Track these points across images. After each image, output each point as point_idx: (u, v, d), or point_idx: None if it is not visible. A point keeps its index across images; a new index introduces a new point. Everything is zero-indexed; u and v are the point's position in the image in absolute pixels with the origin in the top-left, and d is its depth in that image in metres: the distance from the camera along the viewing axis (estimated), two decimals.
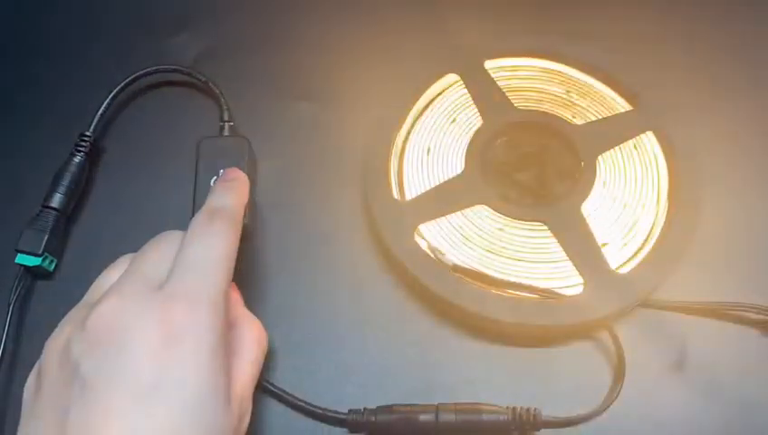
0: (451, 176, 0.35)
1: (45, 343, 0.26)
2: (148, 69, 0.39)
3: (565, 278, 0.33)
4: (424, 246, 0.33)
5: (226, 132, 0.37)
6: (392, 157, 0.36)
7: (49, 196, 0.35)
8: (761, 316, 0.33)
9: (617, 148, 0.36)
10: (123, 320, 0.23)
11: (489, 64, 0.39)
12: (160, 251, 0.26)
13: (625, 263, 0.33)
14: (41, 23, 0.44)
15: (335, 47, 0.42)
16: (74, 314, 0.26)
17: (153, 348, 0.23)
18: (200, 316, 0.24)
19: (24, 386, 0.25)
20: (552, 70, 0.39)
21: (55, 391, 0.23)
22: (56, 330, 0.26)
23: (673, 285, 0.33)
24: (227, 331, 0.26)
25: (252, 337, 0.29)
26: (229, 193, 0.30)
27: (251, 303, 0.32)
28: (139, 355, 0.23)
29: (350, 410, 0.31)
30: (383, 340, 0.33)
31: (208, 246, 0.26)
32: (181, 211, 0.35)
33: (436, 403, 0.31)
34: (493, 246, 0.33)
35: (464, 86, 0.38)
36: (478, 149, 0.36)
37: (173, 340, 0.23)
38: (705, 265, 0.34)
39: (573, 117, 0.37)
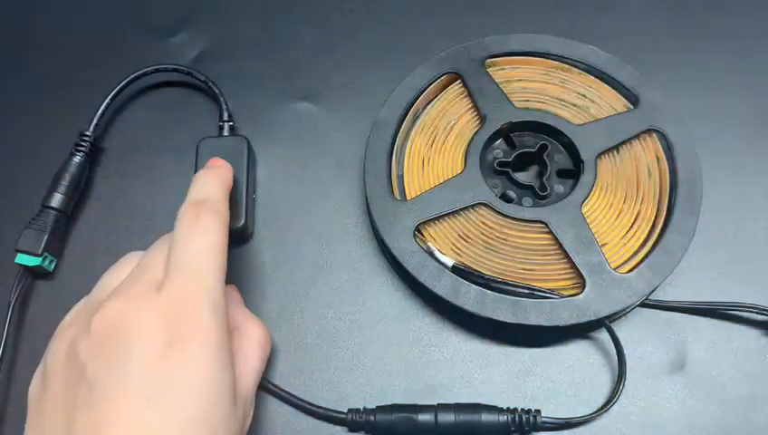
0: (451, 176, 0.35)
1: (50, 342, 0.26)
2: (148, 69, 0.39)
3: (565, 278, 0.33)
4: (424, 246, 0.33)
5: (226, 132, 0.37)
6: (392, 157, 0.36)
7: (49, 196, 0.35)
8: (761, 316, 0.33)
9: (617, 148, 0.36)
10: (128, 321, 0.24)
11: (489, 64, 0.39)
12: (163, 252, 0.27)
13: (625, 263, 0.33)
14: (41, 22, 0.44)
15: (335, 47, 0.42)
16: (79, 312, 0.26)
17: (159, 349, 0.23)
18: (203, 317, 0.24)
19: (24, 385, 0.25)
20: (553, 70, 0.39)
21: (62, 393, 0.23)
22: (60, 328, 0.26)
23: (673, 285, 0.33)
24: (230, 331, 0.26)
25: (256, 339, 0.29)
26: (211, 181, 0.29)
27: (251, 303, 0.32)
28: (145, 356, 0.23)
29: (349, 410, 0.31)
30: (383, 340, 0.33)
31: (199, 243, 0.26)
32: None
33: (435, 403, 0.31)
34: (492, 245, 0.33)
35: (464, 86, 0.38)
36: (478, 150, 0.36)
37: (178, 340, 0.23)
38: (705, 265, 0.34)
39: (573, 117, 0.37)
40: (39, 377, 0.25)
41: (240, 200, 0.34)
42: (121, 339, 0.23)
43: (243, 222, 0.34)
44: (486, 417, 0.30)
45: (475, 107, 0.38)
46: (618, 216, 0.34)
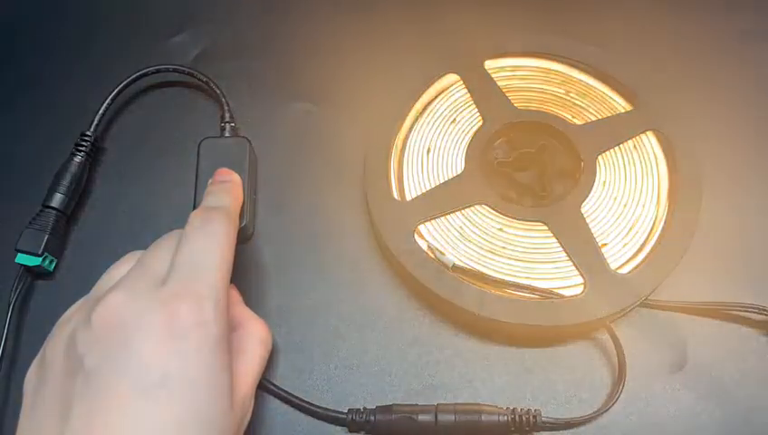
0: (451, 176, 0.35)
1: (49, 334, 0.26)
2: (149, 69, 0.39)
3: (565, 278, 0.33)
4: (424, 246, 0.33)
5: (227, 133, 0.37)
6: (392, 157, 0.36)
7: (49, 195, 0.35)
8: (761, 316, 0.33)
9: (617, 148, 0.36)
10: (128, 315, 0.24)
11: (489, 64, 0.39)
12: (167, 249, 0.27)
13: (625, 263, 0.33)
14: (41, 22, 0.44)
15: (335, 47, 0.42)
16: (79, 307, 0.26)
17: (158, 343, 0.23)
18: (204, 313, 0.24)
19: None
20: (552, 70, 0.39)
21: (59, 383, 0.23)
22: (60, 322, 0.26)
23: (673, 285, 0.33)
24: (230, 329, 0.26)
25: (257, 337, 0.29)
26: (224, 194, 0.31)
27: (251, 303, 0.32)
28: (143, 350, 0.23)
29: (349, 410, 0.31)
30: (383, 340, 0.33)
31: (207, 243, 0.26)
32: (182, 211, 0.35)
33: (435, 403, 0.31)
34: (492, 245, 0.33)
35: (464, 86, 0.38)
36: (478, 149, 0.36)
37: (178, 336, 0.23)
38: (705, 265, 0.34)
39: (573, 117, 0.37)
40: (36, 367, 0.25)
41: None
42: (121, 332, 0.23)
43: (244, 222, 0.34)
44: (486, 417, 0.30)
45: (475, 107, 0.38)
46: (618, 216, 0.34)
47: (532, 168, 0.37)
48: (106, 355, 0.23)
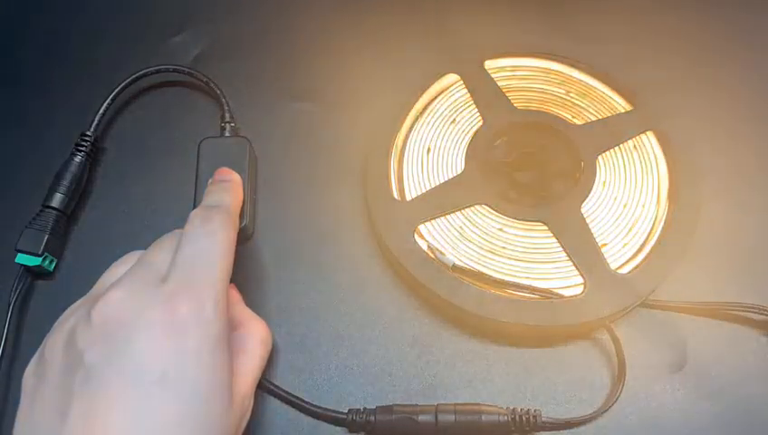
0: (451, 176, 0.35)
1: (48, 332, 0.26)
2: (149, 69, 0.39)
3: (565, 278, 0.33)
4: (424, 246, 0.33)
5: (227, 133, 0.37)
6: (392, 157, 0.36)
7: (49, 196, 0.35)
8: (761, 316, 0.33)
9: (617, 148, 0.36)
10: (129, 312, 0.24)
11: (489, 64, 0.39)
12: (167, 248, 0.27)
13: (625, 263, 0.33)
14: (41, 23, 0.44)
15: (335, 47, 0.42)
16: (79, 304, 0.26)
17: (158, 340, 0.23)
18: (204, 313, 0.24)
19: None
20: (552, 70, 0.39)
21: (58, 380, 0.23)
22: (60, 320, 0.26)
23: (673, 285, 0.33)
24: (230, 329, 0.26)
25: (257, 336, 0.29)
26: (224, 193, 0.31)
27: (251, 303, 0.32)
28: (143, 347, 0.23)
29: (349, 410, 0.31)
30: (383, 340, 0.33)
31: (207, 242, 0.26)
32: (182, 211, 0.35)
33: (435, 403, 0.31)
34: (492, 245, 0.33)
35: (464, 86, 0.38)
36: (478, 149, 0.36)
37: (177, 333, 0.23)
38: (705, 265, 0.34)
39: (573, 117, 0.37)
40: (35, 364, 0.25)
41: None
42: (121, 329, 0.23)
43: (244, 222, 0.34)
44: (486, 417, 0.30)
45: (475, 107, 0.38)
46: (618, 216, 0.34)
47: (532, 168, 0.37)
48: (106, 352, 0.23)
